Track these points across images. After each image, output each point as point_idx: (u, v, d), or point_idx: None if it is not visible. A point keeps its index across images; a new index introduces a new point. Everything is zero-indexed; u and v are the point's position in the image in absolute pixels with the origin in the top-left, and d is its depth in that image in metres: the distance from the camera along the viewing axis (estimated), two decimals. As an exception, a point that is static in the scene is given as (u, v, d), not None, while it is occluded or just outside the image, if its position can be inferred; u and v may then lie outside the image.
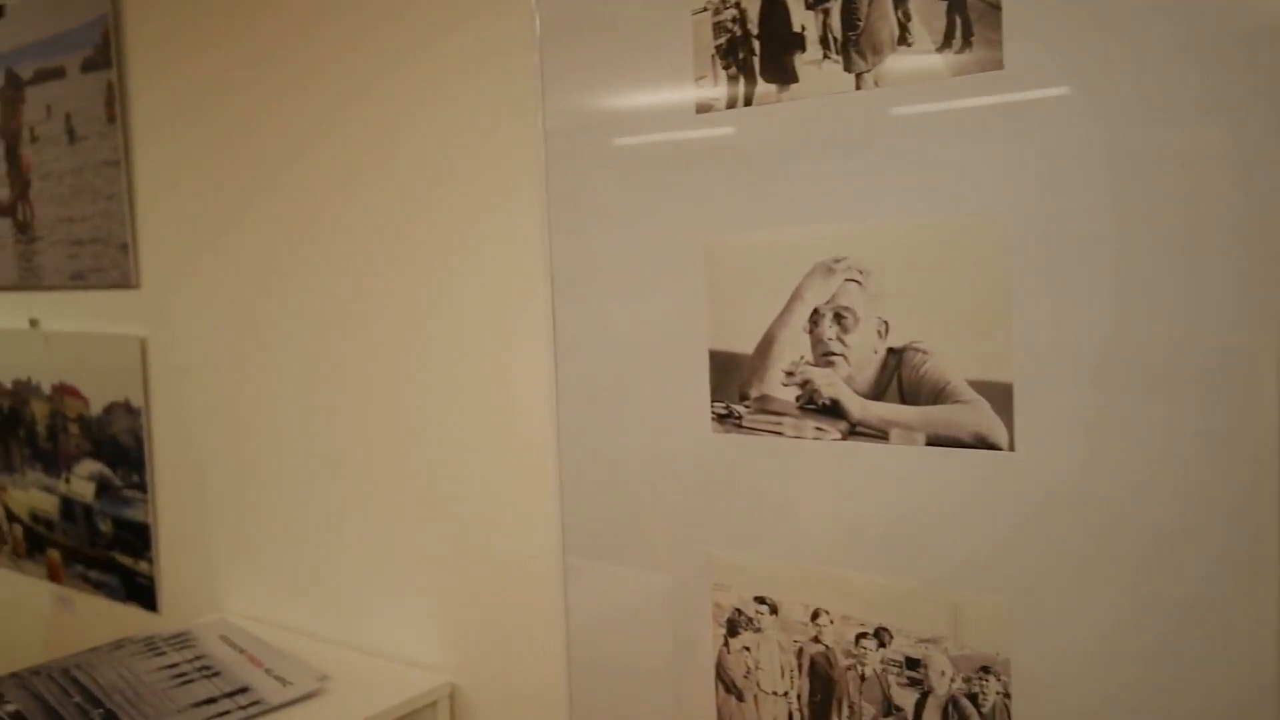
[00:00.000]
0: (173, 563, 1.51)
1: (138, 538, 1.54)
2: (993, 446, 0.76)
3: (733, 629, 0.91)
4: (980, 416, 0.76)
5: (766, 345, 0.87)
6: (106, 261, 1.52)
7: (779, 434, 0.87)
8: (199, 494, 1.46)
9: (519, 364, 1.06)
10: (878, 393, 0.81)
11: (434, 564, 1.15)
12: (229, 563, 1.42)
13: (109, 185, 1.49)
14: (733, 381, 0.89)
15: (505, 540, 1.09)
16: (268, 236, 1.31)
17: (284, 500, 1.33)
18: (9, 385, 1.72)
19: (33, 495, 1.71)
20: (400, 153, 1.14)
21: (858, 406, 0.82)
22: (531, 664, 1.08)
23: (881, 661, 0.82)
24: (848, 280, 0.82)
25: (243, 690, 1.06)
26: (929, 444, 0.79)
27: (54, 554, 1.70)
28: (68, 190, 1.56)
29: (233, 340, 1.37)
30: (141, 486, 1.52)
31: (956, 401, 0.77)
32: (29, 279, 1.65)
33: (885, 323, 0.80)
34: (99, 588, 1.62)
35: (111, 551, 1.58)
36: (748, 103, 0.86)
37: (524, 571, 1.08)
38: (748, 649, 0.90)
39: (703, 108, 0.89)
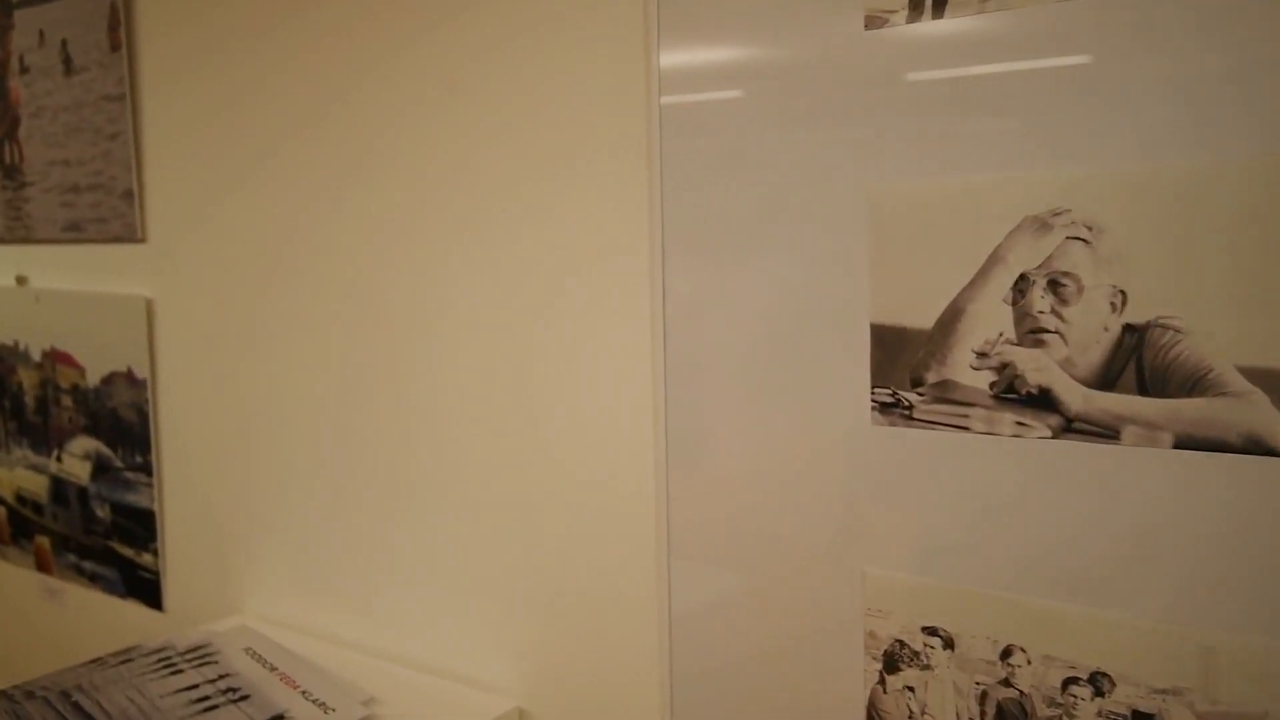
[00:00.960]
0: (181, 555, 1.34)
1: (140, 526, 1.37)
2: (1271, 451, 0.60)
3: (891, 664, 0.76)
4: (1255, 413, 0.61)
5: (951, 319, 0.71)
6: (107, 211, 1.34)
7: (964, 429, 0.71)
8: (213, 478, 1.29)
9: (613, 337, 0.90)
10: (1107, 381, 0.65)
11: (501, 565, 1.00)
12: (248, 558, 1.26)
13: (111, 124, 1.31)
14: (902, 363, 0.73)
15: (592, 540, 0.93)
16: (300, 183, 1.14)
17: (316, 487, 1.17)
18: (-7, 350, 1.54)
19: (18, 474, 1.54)
20: (464, 90, 0.97)
21: (1078, 397, 0.66)
22: (620, 690, 0.92)
23: (1098, 714, 0.67)
24: (1070, 239, 0.66)
25: (277, 718, 0.90)
26: (1178, 446, 0.63)
27: (43, 541, 1.53)
28: (63, 129, 1.38)
29: (254, 302, 1.20)
30: (145, 468, 1.35)
31: (1221, 394, 0.62)
32: (17, 230, 1.47)
33: (1121, 293, 0.64)
34: (95, 580, 1.45)
35: (110, 540, 1.42)
36: (938, 12, 0.70)
37: (615, 579, 0.92)
38: (911, 689, 0.75)
39: (874, 21, 0.73)
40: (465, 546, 1.02)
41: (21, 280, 1.50)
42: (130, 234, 1.32)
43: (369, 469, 1.11)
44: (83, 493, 1.44)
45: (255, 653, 1.06)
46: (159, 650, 1.07)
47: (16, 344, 1.50)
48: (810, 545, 0.79)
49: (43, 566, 1.54)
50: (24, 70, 1.42)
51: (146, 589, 1.39)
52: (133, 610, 1.42)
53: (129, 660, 1.04)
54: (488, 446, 0.99)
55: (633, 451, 0.90)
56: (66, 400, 1.44)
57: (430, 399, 1.04)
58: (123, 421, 1.37)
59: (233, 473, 1.27)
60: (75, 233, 1.39)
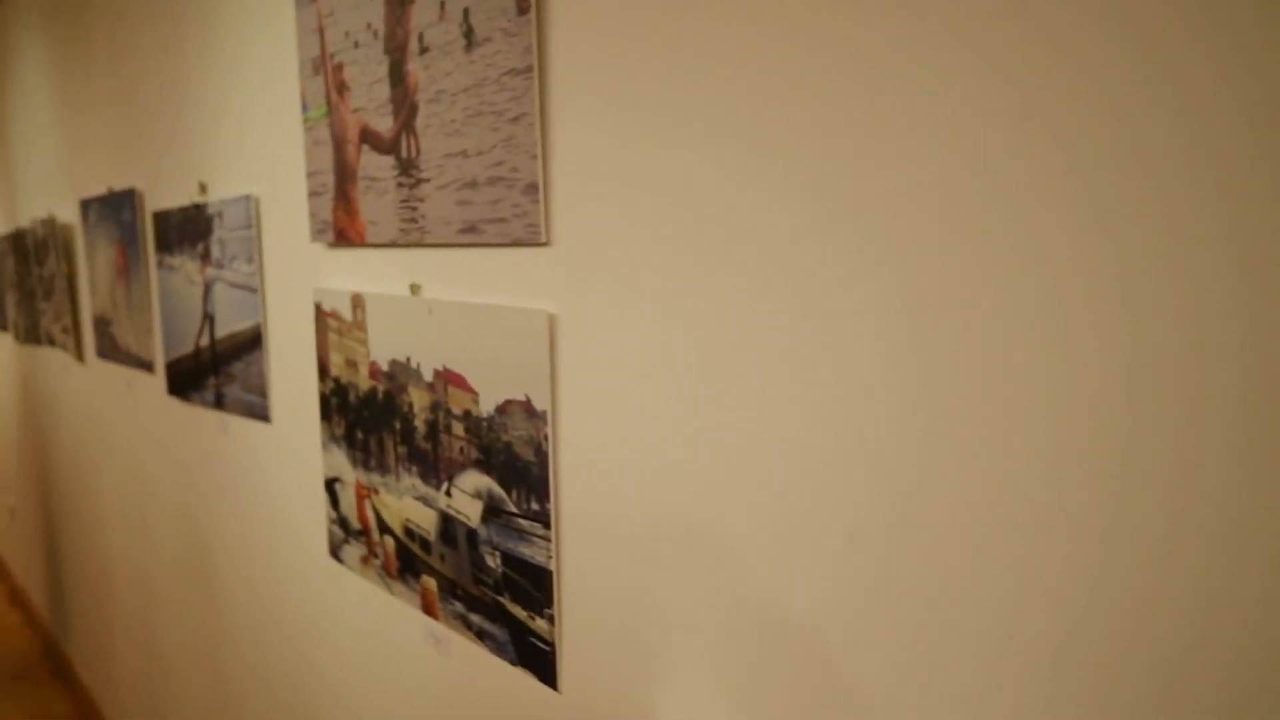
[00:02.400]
0: (582, 630, 1.13)
1: (535, 585, 1.18)
2: None
3: None
4: None
5: None
6: (507, 209, 1.15)
7: None
8: (625, 541, 1.05)
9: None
10: None
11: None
12: (667, 649, 1.01)
13: (515, 104, 1.12)
14: None
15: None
16: (765, 168, 0.85)
17: (765, 566, 0.88)
18: (385, 366, 1.43)
19: (407, 504, 1.42)
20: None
21: None
22: None
23: None
24: None
25: None
26: None
27: (429, 582, 1.39)
28: (461, 115, 1.21)
29: (693, 324, 0.94)
30: (542, 518, 1.15)
31: None
32: (411, 233, 1.33)
33: None
34: (483, 638, 1.28)
35: (500, 596, 1.24)
36: None
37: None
38: None
39: None
40: (1036, 674, 0.68)
41: (415, 289, 1.37)
42: (532, 236, 1.12)
43: (856, 542, 0.80)
44: (472, 535, 1.28)
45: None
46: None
47: (408, 360, 1.37)
48: None
49: (428, 609, 1.41)
50: (423, 50, 1.27)
51: (540, 661, 1.19)
52: (523, 682, 1.23)
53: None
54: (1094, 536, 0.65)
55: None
56: (458, 428, 1.28)
57: (980, 460, 0.71)
58: (518, 459, 1.18)
59: (650, 539, 1.02)
60: (472, 235, 1.21)
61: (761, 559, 0.89)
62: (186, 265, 2.19)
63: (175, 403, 2.42)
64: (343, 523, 1.62)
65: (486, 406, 1.22)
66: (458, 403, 1.28)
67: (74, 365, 3.38)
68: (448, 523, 1.33)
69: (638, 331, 1.00)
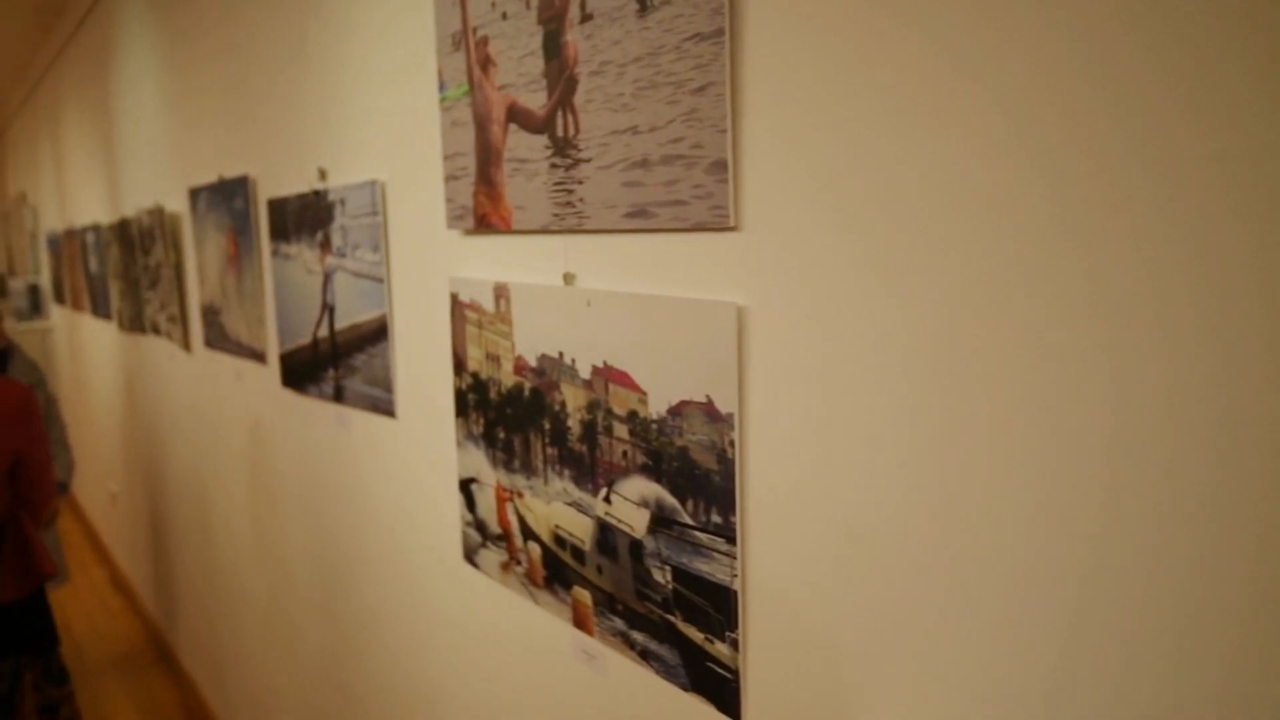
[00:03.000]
0: (771, 656, 1.02)
1: (713, 605, 1.07)
2: None
3: None
4: None
5: None
6: (687, 190, 1.04)
7: None
8: (823, 558, 0.94)
9: None
10: None
11: None
12: (878, 677, 0.89)
13: (700, 73, 1.01)
14: None
15: None
16: (1000, 139, 0.73)
17: (992, 583, 0.77)
18: (533, 362, 1.34)
19: (556, 509, 1.33)
20: None
21: None
22: None
23: None
24: None
25: None
26: None
27: (582, 594, 1.30)
28: (631, 87, 1.10)
29: (917, 324, 0.82)
30: (724, 532, 1.05)
31: None
32: (567, 218, 1.23)
33: None
34: (646, 658, 1.19)
35: (670, 614, 1.14)
36: None
37: None
38: None
39: None
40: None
41: (569, 278, 1.27)
42: (718, 220, 1.01)
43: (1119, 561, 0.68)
44: (636, 546, 1.18)
45: None
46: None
47: (561, 356, 1.28)
48: None
49: (580, 624, 1.32)
50: (585, 19, 1.17)
51: (719, 688, 1.08)
52: (698, 711, 1.13)
53: None
54: None
55: None
56: (621, 430, 1.18)
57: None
58: (695, 466, 1.07)
59: (857, 555, 0.91)
60: (641, 220, 1.11)
61: (994, 577, 0.77)
62: (304, 254, 2.14)
63: (289, 395, 2.37)
64: (480, 526, 1.54)
65: (657, 407, 1.12)
66: (621, 403, 1.18)
67: (180, 354, 3.39)
68: (606, 532, 1.23)
69: (845, 329, 0.89)
